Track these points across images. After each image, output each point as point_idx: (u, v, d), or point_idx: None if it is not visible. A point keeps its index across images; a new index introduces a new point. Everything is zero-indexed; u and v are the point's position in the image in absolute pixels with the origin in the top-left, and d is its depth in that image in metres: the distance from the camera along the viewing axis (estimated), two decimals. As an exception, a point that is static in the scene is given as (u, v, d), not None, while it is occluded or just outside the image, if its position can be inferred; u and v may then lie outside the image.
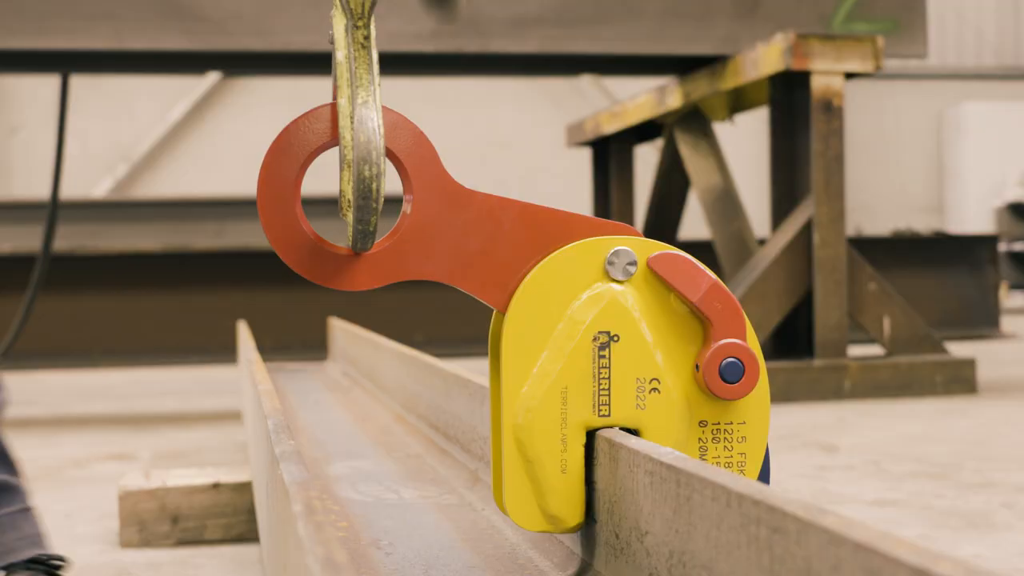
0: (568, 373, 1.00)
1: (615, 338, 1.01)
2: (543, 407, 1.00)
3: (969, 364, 4.34)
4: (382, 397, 2.53)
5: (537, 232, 1.02)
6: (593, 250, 1.02)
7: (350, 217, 1.00)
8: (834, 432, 3.30)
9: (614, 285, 1.01)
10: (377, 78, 0.96)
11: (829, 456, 2.86)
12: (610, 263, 1.01)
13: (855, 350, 4.48)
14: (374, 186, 0.93)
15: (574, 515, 1.00)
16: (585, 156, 7.01)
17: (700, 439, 1.04)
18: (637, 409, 1.01)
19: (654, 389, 1.02)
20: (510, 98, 13.41)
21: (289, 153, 0.97)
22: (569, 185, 12.46)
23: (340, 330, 3.79)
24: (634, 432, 1.01)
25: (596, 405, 1.01)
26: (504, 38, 4.30)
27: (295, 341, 6.10)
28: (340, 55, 1.01)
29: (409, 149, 0.99)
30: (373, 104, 0.94)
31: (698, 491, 0.75)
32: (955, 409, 3.85)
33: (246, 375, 2.37)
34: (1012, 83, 15.70)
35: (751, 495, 0.67)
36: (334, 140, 0.98)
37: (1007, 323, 8.11)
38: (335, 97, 1.01)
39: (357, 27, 0.99)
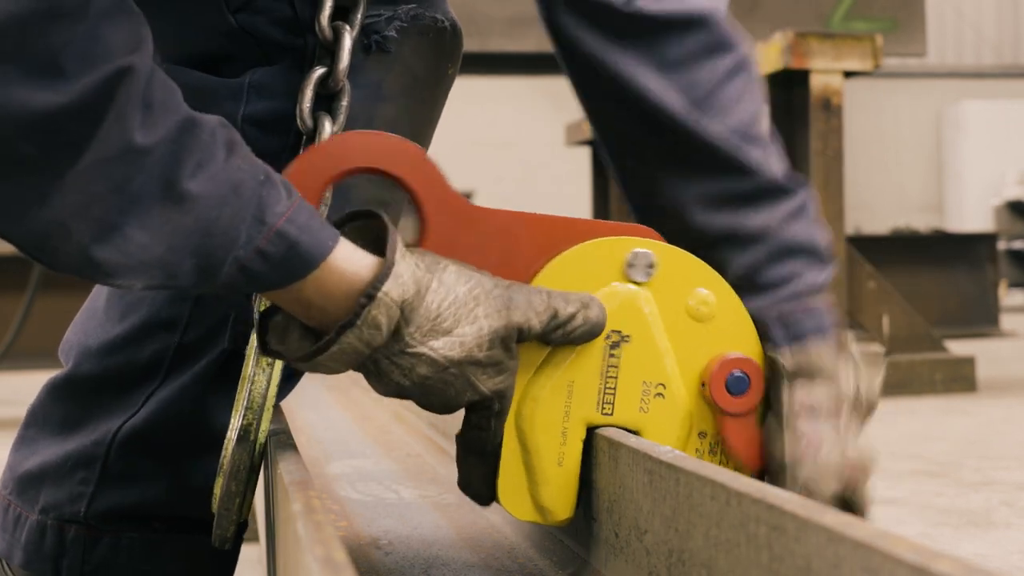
0: (577, 367, 1.00)
1: (627, 339, 1.01)
2: (548, 398, 0.99)
3: (969, 362, 4.34)
4: (382, 396, 2.53)
5: (556, 242, 1.00)
6: (611, 249, 1.01)
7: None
8: (834, 431, 3.30)
9: (631, 286, 1.01)
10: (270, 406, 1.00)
11: (829, 455, 2.86)
12: (630, 264, 1.01)
13: (855, 348, 4.48)
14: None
15: (565, 508, 1.01)
16: (585, 156, 7.01)
17: (697, 449, 1.05)
18: (640, 412, 1.02)
19: (659, 394, 1.02)
20: (510, 98, 13.40)
21: (310, 174, 0.93)
22: (569, 185, 12.46)
23: (340, 330, 3.79)
24: (634, 434, 1.01)
25: (600, 403, 1.01)
26: (502, 37, 4.30)
27: (295, 341, 6.09)
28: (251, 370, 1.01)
29: (415, 174, 0.96)
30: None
31: (697, 490, 0.75)
32: (955, 407, 3.85)
33: (246, 375, 2.36)
34: (1011, 81, 15.72)
35: (750, 493, 0.67)
36: (352, 170, 0.94)
37: (1007, 321, 8.11)
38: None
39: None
